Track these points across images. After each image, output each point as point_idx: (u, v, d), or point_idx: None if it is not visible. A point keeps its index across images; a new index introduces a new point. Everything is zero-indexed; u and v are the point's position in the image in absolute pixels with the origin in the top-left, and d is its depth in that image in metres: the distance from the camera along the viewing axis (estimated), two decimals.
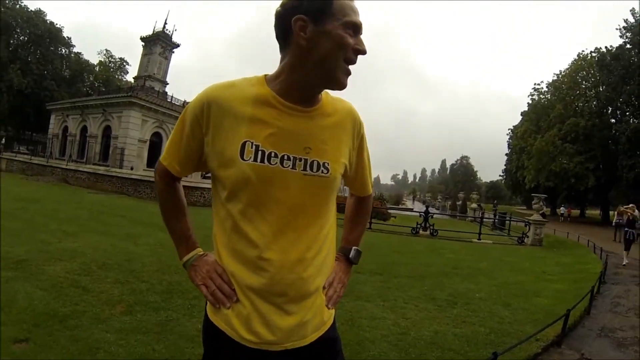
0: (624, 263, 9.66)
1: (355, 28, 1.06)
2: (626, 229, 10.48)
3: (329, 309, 1.18)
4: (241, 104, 1.05)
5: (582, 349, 4.23)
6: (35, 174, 21.90)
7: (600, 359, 4.01)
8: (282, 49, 1.09)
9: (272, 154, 1.04)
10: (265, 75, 1.13)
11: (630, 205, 10.85)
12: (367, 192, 1.41)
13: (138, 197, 17.45)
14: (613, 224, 20.21)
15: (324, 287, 1.17)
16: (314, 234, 1.10)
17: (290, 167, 1.05)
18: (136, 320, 3.44)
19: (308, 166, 1.07)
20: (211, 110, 1.05)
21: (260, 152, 1.03)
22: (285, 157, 1.05)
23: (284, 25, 1.05)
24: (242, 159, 1.02)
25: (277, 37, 1.09)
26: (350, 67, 1.08)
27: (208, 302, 1.12)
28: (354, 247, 1.37)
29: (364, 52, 1.08)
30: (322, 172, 1.09)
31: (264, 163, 1.03)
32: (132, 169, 23.04)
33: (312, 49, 1.03)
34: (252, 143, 1.03)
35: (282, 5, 1.06)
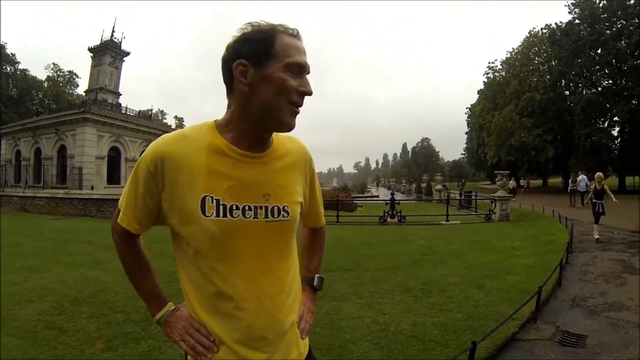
0: (596, 237, 9.44)
1: (300, 68, 1.05)
2: (594, 200, 10.01)
3: (302, 339, 1.24)
4: (195, 156, 1.04)
5: (556, 322, 4.43)
6: None
7: (575, 329, 4.18)
8: (228, 93, 1.08)
9: (234, 207, 1.04)
10: (215, 121, 1.12)
11: (598, 173, 10.42)
12: (320, 224, 1.45)
13: (102, 217, 16.76)
14: (568, 190, 21.84)
15: (297, 321, 1.22)
16: (282, 277, 1.14)
17: (252, 216, 1.06)
18: (118, 355, 3.38)
19: (269, 213, 1.08)
20: (165, 166, 1.03)
21: (221, 207, 1.03)
22: (247, 207, 1.05)
23: (227, 70, 1.05)
24: (205, 215, 1.02)
25: (224, 82, 1.08)
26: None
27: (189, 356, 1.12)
28: (316, 275, 1.43)
29: (309, 94, 1.07)
30: (283, 216, 1.11)
31: (226, 217, 1.03)
32: (92, 188, 22.28)
33: (254, 94, 1.03)
34: (212, 197, 1.02)
35: (226, 49, 1.06)
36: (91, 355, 3.38)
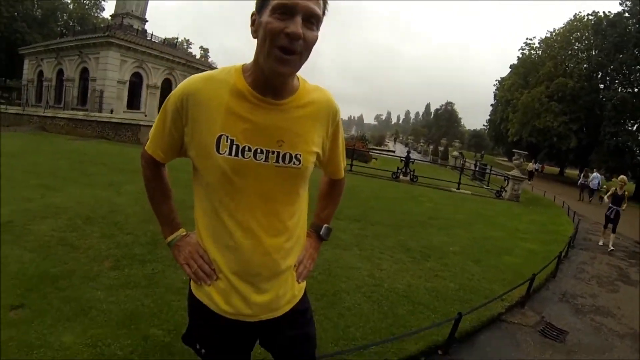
0: (610, 249, 8.54)
1: (285, 9, 0.98)
2: (611, 205, 8.89)
3: (299, 283, 1.32)
4: (218, 97, 1.09)
5: (542, 312, 4.53)
6: (12, 124, 21.00)
7: (558, 323, 4.27)
8: None
9: (246, 148, 1.08)
10: (243, 65, 1.15)
11: (621, 177, 9.18)
12: (339, 176, 1.47)
13: (119, 140, 17.03)
14: (578, 184, 21.79)
15: (295, 265, 1.30)
16: (284, 220, 1.19)
17: (263, 160, 1.10)
18: (124, 275, 3.56)
19: (280, 158, 1.12)
20: (189, 103, 1.09)
21: (234, 147, 1.08)
22: (259, 150, 1.09)
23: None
24: (218, 152, 1.07)
25: None
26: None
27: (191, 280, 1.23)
28: (325, 225, 1.49)
29: (294, 36, 0.98)
30: (294, 163, 1.14)
31: (237, 157, 1.08)
32: (112, 111, 22.38)
33: (257, 42, 1.05)
34: (227, 137, 1.07)
35: None
36: (99, 272, 3.57)
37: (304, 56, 1.05)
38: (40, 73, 29.06)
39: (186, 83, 1.12)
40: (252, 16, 1.06)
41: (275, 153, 1.11)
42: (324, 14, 1.06)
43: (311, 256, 1.40)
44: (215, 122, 1.08)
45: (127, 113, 23.38)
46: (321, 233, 1.47)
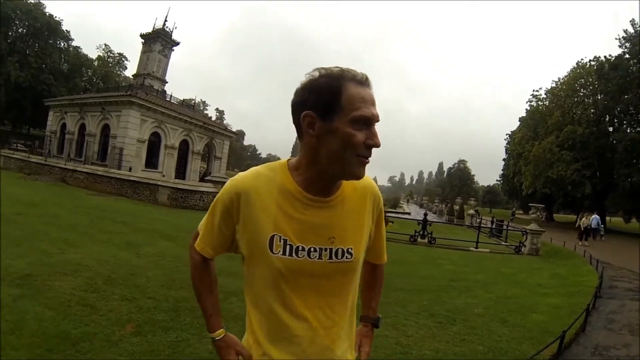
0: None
1: (366, 121, 1.04)
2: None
3: None
4: (268, 195, 1.11)
5: None
6: (34, 173, 21.81)
7: None
8: (299, 137, 1.12)
9: (300, 248, 1.11)
10: (288, 161, 1.18)
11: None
12: (382, 260, 1.48)
13: (137, 199, 17.42)
14: (576, 226, 23.24)
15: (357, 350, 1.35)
16: (339, 311, 1.20)
17: (317, 257, 1.12)
18: (147, 342, 3.48)
19: (333, 255, 1.14)
20: (240, 201, 1.12)
21: (288, 247, 1.10)
22: (312, 249, 1.11)
23: (296, 116, 1.08)
24: (272, 251, 1.09)
25: (294, 124, 1.11)
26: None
27: None
28: (378, 316, 1.51)
29: (376, 146, 1.06)
30: (347, 257, 1.16)
31: (292, 257, 1.10)
32: (130, 169, 22.98)
33: (321, 145, 1.06)
34: (280, 237, 1.10)
35: (295, 94, 1.09)
36: (121, 337, 3.48)
37: None
38: (64, 125, 30.23)
39: (235, 181, 1.16)
40: (306, 117, 1.05)
41: (328, 250, 1.13)
42: None
43: (369, 343, 1.46)
44: (267, 222, 1.11)
45: (145, 172, 24.06)
46: (378, 324, 1.50)
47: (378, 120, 1.07)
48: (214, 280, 1.33)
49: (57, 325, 3.49)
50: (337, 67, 1.07)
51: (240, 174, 1.17)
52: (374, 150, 1.07)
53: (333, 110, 1.03)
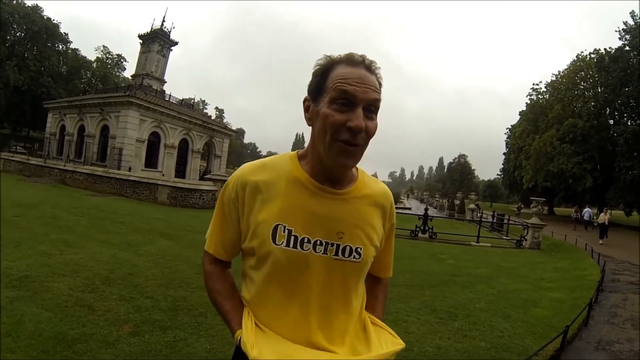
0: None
1: (345, 99, 0.95)
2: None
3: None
4: (274, 185, 1.05)
5: None
6: (33, 175, 21.81)
7: None
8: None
9: (305, 240, 1.03)
10: (298, 151, 1.13)
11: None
12: (388, 274, 1.40)
13: (136, 198, 17.38)
14: (572, 217, 27.63)
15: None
16: (343, 318, 1.11)
17: (322, 252, 1.04)
18: (144, 342, 3.44)
19: (340, 251, 1.06)
20: (245, 191, 1.07)
21: (292, 237, 1.03)
22: (318, 242, 1.04)
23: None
24: (275, 243, 1.02)
25: None
26: None
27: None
28: None
29: (358, 130, 0.95)
30: (354, 257, 1.07)
31: (296, 248, 1.03)
32: (130, 169, 22.89)
33: (313, 130, 1.02)
34: (284, 227, 1.03)
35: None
36: (118, 337, 3.45)
37: (365, 146, 1.01)
38: (63, 127, 30.13)
39: (239, 172, 1.11)
40: (305, 102, 1.04)
41: (335, 245, 1.06)
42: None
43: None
44: (272, 211, 1.04)
45: (145, 172, 23.94)
46: None
47: (370, 104, 0.98)
48: (234, 287, 1.19)
49: (54, 327, 3.47)
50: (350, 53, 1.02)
51: (246, 164, 1.13)
52: (373, 145, 1.01)
53: (319, 92, 0.99)
